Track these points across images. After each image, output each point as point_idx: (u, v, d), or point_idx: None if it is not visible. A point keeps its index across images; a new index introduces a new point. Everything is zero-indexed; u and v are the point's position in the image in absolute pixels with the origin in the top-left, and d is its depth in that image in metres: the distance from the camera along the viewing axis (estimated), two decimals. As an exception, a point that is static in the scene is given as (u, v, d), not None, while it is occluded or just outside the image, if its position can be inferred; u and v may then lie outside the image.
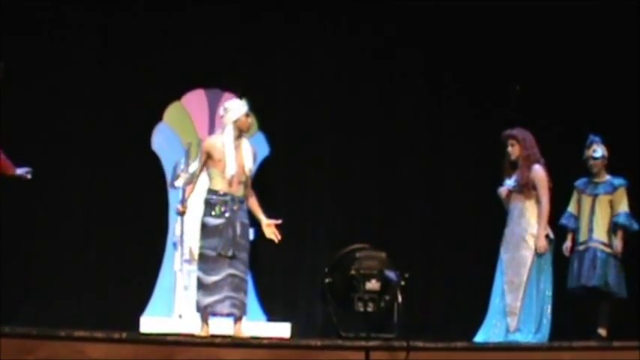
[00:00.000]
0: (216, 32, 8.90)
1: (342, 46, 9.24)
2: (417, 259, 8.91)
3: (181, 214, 7.07)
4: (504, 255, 7.39)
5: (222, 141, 6.77)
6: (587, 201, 7.60)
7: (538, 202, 7.32)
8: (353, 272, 6.25)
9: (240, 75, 8.84)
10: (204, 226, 6.79)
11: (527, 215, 7.33)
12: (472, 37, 9.21)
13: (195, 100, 8.71)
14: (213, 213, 6.74)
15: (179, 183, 8.51)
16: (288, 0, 9.08)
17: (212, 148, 6.76)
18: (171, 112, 8.69)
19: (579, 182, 7.71)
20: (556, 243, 7.48)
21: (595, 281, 7.42)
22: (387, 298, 6.24)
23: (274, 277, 8.86)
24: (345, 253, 6.38)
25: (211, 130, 8.52)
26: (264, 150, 8.71)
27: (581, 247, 7.56)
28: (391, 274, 6.25)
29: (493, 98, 8.95)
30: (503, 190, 7.44)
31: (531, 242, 7.30)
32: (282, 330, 8.29)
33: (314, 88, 9.19)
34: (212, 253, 6.69)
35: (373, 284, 6.22)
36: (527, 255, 7.30)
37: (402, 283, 6.23)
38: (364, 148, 9.17)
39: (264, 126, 8.81)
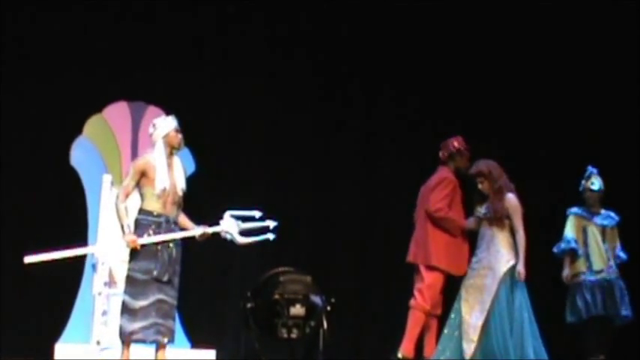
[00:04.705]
0: (140, 43, 8.72)
1: (274, 58, 9.09)
2: (345, 283, 8.65)
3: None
4: (467, 281, 7.32)
5: (154, 157, 6.50)
6: (595, 231, 7.71)
7: (509, 231, 7.34)
8: (276, 297, 6.13)
9: (165, 87, 8.59)
10: (135, 248, 6.39)
11: (497, 243, 7.33)
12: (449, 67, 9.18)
13: (117, 112, 8.41)
14: (146, 235, 6.40)
15: None
16: (219, 11, 8.96)
17: (147, 167, 6.47)
18: (92, 125, 8.38)
19: (580, 211, 7.79)
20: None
21: (628, 310, 7.53)
22: (312, 323, 6.08)
23: (199, 302, 8.58)
24: (268, 276, 6.20)
25: (134, 144, 8.28)
26: (191, 166, 8.47)
27: (599, 276, 7.61)
28: (317, 299, 6.12)
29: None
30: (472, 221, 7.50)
31: (498, 271, 7.23)
32: (207, 357, 8.08)
33: (242, 102, 8.99)
34: (142, 277, 6.41)
35: (298, 309, 6.10)
36: (492, 283, 7.22)
37: (328, 308, 6.05)
38: (295, 167, 8.99)
39: (191, 141, 8.50)
